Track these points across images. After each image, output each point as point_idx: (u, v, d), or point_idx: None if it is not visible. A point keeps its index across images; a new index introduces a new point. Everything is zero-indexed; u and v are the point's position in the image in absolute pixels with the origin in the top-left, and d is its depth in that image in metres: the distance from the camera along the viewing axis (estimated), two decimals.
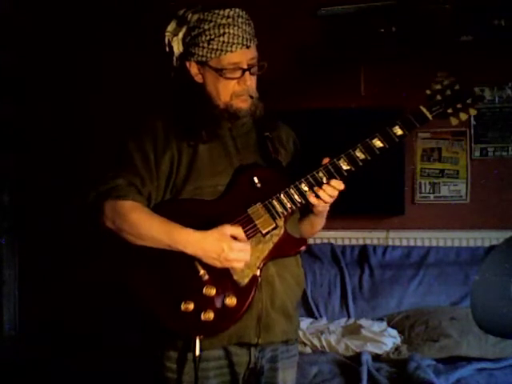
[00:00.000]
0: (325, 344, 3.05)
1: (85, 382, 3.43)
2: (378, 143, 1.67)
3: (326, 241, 3.73)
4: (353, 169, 1.67)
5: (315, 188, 1.64)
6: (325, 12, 3.68)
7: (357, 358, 2.84)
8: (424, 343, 3.00)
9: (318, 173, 1.65)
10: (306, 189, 1.65)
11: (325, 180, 1.65)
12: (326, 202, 1.67)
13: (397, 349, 3.01)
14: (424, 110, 1.66)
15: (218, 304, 1.62)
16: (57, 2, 3.85)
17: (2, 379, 3.63)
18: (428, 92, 1.69)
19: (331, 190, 1.65)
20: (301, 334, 3.09)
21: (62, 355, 3.56)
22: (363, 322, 3.24)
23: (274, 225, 1.65)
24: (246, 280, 1.63)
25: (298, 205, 1.66)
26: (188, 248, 1.59)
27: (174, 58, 1.76)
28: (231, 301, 1.62)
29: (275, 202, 1.65)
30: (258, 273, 1.65)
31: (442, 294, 3.36)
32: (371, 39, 3.59)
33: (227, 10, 1.67)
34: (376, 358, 2.91)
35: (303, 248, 1.72)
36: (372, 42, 3.59)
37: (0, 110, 3.94)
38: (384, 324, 3.21)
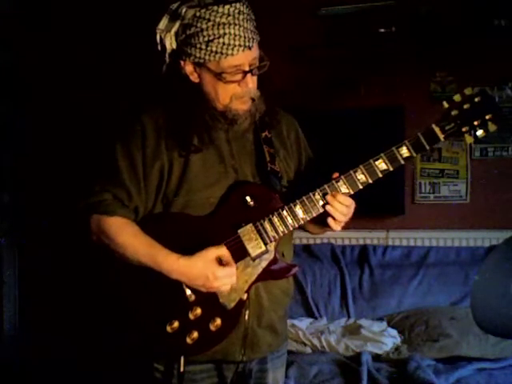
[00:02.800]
0: (325, 344, 3.04)
1: (85, 382, 3.43)
2: (381, 165, 1.55)
3: (326, 241, 3.73)
4: (351, 192, 1.57)
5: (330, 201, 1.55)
6: (325, 12, 3.68)
7: (357, 358, 2.84)
8: (424, 343, 3.00)
9: (314, 195, 1.57)
10: (299, 212, 1.58)
11: (321, 202, 1.57)
12: (338, 219, 1.58)
13: (397, 349, 3.01)
14: (436, 129, 1.52)
15: (204, 325, 1.58)
16: (56, 1, 3.85)
17: (2, 379, 3.63)
18: (446, 105, 1.53)
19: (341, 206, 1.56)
20: (301, 334, 3.09)
21: (62, 355, 3.56)
22: (363, 322, 3.24)
23: (265, 249, 1.59)
24: (233, 304, 1.59)
25: (291, 228, 1.59)
26: (173, 275, 1.54)
27: (167, 55, 1.62)
28: (217, 323, 1.59)
29: (267, 225, 1.58)
30: (244, 297, 1.60)
31: (441, 294, 3.36)
32: (371, 39, 3.60)
33: (227, 7, 1.51)
34: (376, 358, 2.91)
35: (293, 273, 1.66)
36: (372, 42, 3.60)
37: (0, 110, 3.94)
38: (384, 324, 3.21)
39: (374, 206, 3.57)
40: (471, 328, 2.85)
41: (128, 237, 1.58)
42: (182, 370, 1.61)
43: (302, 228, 1.75)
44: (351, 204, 1.60)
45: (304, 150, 1.81)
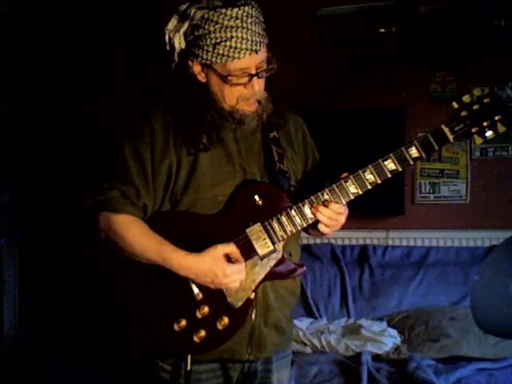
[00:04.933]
0: (325, 344, 3.04)
1: (85, 382, 3.43)
2: (390, 165, 1.55)
3: (326, 241, 3.73)
4: (360, 192, 1.57)
5: (319, 208, 1.56)
6: (325, 12, 3.68)
7: (357, 358, 2.84)
8: (424, 343, 3.00)
9: (322, 194, 1.57)
10: (308, 212, 1.58)
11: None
12: (328, 226, 1.59)
13: (397, 349, 3.01)
14: (446, 130, 1.52)
15: (211, 324, 1.59)
16: (56, 1, 3.85)
17: (2, 379, 3.63)
18: (455, 105, 1.53)
19: (330, 212, 1.57)
20: (301, 334, 3.09)
21: (62, 355, 3.56)
22: (363, 322, 3.24)
23: (273, 248, 1.59)
24: (240, 303, 1.60)
25: (299, 228, 1.60)
26: (181, 272, 1.55)
27: (176, 54, 1.62)
28: (224, 322, 1.59)
29: (275, 224, 1.58)
30: (252, 296, 1.61)
31: (441, 294, 3.37)
32: (371, 39, 3.60)
33: (235, 10, 1.51)
34: (376, 358, 2.91)
35: (300, 273, 1.66)
36: (372, 42, 3.60)
37: (0, 110, 3.94)
38: (384, 324, 3.21)
39: (374, 206, 3.57)
40: (471, 328, 2.85)
41: (136, 234, 1.58)
42: (188, 368, 1.61)
43: (303, 229, 1.75)
44: (344, 211, 1.60)
45: (311, 150, 1.81)
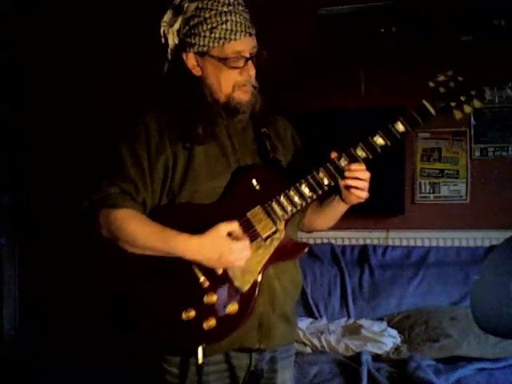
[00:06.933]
0: (325, 344, 3.04)
1: (85, 382, 3.43)
2: (379, 141, 1.61)
3: (326, 241, 3.73)
4: None
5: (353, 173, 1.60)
6: (325, 12, 3.68)
7: (357, 358, 2.84)
8: (424, 343, 3.00)
9: (318, 173, 1.61)
10: (306, 190, 1.61)
11: (325, 181, 1.61)
12: (364, 188, 1.63)
13: (397, 349, 3.01)
14: (427, 104, 1.60)
15: (220, 311, 1.59)
16: (56, 1, 3.85)
17: (2, 379, 3.63)
18: (431, 84, 1.64)
19: (361, 173, 1.62)
20: (301, 334, 3.09)
21: (62, 355, 3.56)
22: (363, 322, 3.24)
23: (275, 228, 1.61)
24: (248, 286, 1.60)
25: (299, 207, 1.61)
26: (186, 255, 1.55)
27: (169, 51, 1.68)
28: (233, 307, 1.59)
29: (275, 205, 1.60)
30: (259, 278, 1.61)
31: (441, 294, 3.36)
32: (371, 39, 3.60)
33: None
34: (376, 358, 2.91)
35: (304, 251, 1.68)
36: (372, 42, 3.60)
37: (0, 110, 3.94)
38: (384, 324, 3.21)
39: (374, 206, 3.55)
40: (471, 328, 2.84)
41: (139, 225, 1.59)
42: (200, 361, 1.59)
43: (310, 231, 1.85)
44: (366, 169, 1.64)
45: (302, 149, 1.84)
